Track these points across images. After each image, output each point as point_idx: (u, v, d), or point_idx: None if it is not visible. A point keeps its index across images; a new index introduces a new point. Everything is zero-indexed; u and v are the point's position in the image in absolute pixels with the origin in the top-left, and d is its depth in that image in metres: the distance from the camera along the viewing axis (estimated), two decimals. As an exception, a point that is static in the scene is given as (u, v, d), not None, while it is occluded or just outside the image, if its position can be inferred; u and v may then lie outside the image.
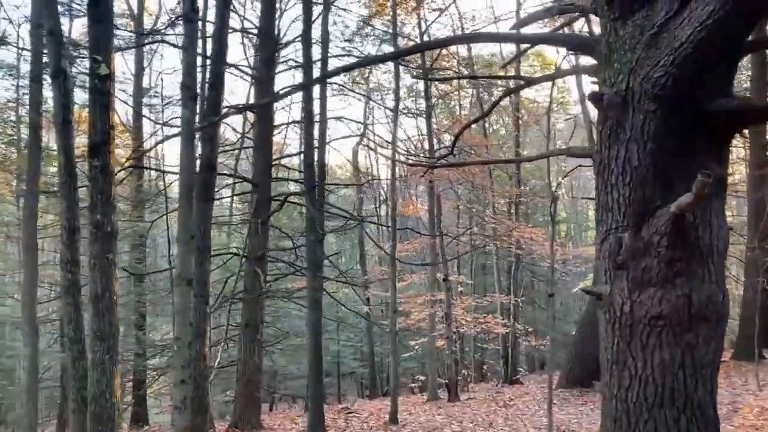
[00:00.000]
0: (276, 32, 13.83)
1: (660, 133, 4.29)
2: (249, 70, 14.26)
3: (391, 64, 18.55)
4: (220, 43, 8.41)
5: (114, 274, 6.62)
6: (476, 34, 9.73)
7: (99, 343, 6.48)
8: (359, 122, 17.82)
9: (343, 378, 28.96)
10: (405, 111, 17.11)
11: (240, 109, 11.80)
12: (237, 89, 50.74)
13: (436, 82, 16.70)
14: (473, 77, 15.99)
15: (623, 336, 4.62)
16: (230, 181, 18.49)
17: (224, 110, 9.52)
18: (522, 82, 11.48)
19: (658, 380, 4.34)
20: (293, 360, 23.46)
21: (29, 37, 11.48)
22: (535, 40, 5.61)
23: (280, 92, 10.32)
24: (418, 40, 16.46)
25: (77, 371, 7.67)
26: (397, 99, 13.06)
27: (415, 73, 14.56)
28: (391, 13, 13.42)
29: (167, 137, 13.31)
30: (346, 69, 8.26)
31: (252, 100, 15.48)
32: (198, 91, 7.92)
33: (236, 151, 17.70)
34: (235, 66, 13.44)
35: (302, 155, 11.86)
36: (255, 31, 13.76)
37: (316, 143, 11.18)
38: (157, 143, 14.13)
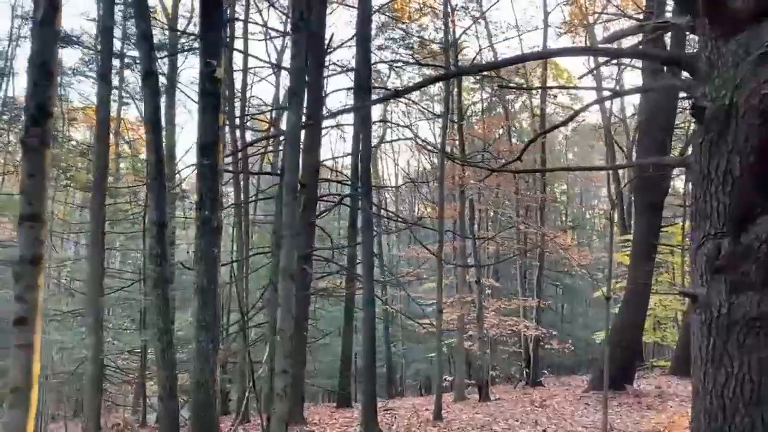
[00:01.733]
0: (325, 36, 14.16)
1: (764, 146, 4.67)
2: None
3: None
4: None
5: (218, 267, 6.96)
6: (567, 48, 10.12)
7: (203, 333, 6.79)
8: (404, 125, 18.11)
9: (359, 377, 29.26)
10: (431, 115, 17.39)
11: (334, 114, 12.15)
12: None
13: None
14: (546, 88, 16.34)
15: (720, 336, 4.97)
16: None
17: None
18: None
19: (755, 379, 4.69)
20: (314, 357, 23.79)
21: (99, 37, 11.87)
22: (632, 54, 5.96)
23: (367, 103, 10.59)
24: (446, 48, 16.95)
25: (166, 361, 7.99)
26: (447, 107, 13.41)
27: (496, 86, 14.80)
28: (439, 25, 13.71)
29: (257, 140, 13.57)
30: (423, 84, 8.59)
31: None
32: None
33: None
34: (285, 68, 13.76)
35: (359, 158, 12.19)
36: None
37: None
38: (246, 145, 14.28)
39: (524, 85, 17.71)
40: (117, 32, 15.54)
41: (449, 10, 14.07)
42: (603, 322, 32.26)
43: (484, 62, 15.78)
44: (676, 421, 11.28)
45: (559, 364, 28.61)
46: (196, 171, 6.95)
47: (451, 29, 17.11)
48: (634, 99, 30.40)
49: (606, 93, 11.94)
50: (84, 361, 19.01)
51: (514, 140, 23.42)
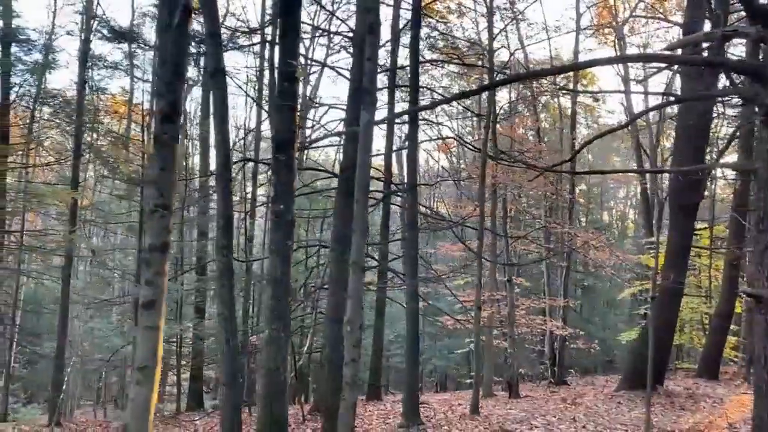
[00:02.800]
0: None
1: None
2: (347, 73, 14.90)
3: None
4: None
5: (291, 259, 7.25)
6: (639, 55, 10.26)
7: (276, 322, 7.10)
8: (442, 124, 18.38)
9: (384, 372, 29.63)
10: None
11: (400, 114, 12.44)
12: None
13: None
14: (602, 92, 16.49)
15: (785, 336, 5.25)
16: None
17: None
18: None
19: (820, 379, 4.96)
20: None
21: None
22: (704, 63, 6.16)
23: (421, 107, 10.86)
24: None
25: (230, 348, 8.30)
26: (490, 108, 13.63)
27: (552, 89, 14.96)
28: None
29: (325, 135, 13.88)
30: (478, 91, 8.85)
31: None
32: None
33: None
34: (333, 68, 14.08)
35: (405, 155, 12.45)
36: (350, 35, 14.36)
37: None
38: (312, 141, 14.58)
39: (561, 87, 17.82)
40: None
41: (491, 10, 14.21)
42: (624, 324, 32.42)
43: (529, 67, 15.95)
44: (714, 421, 11.47)
45: (576, 363, 28.77)
46: (271, 166, 7.23)
47: (486, 30, 17.37)
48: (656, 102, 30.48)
49: (663, 99, 12.02)
50: (119, 348, 19.53)
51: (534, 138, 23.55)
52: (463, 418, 12.36)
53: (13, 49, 16.44)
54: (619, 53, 27.06)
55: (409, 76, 12.44)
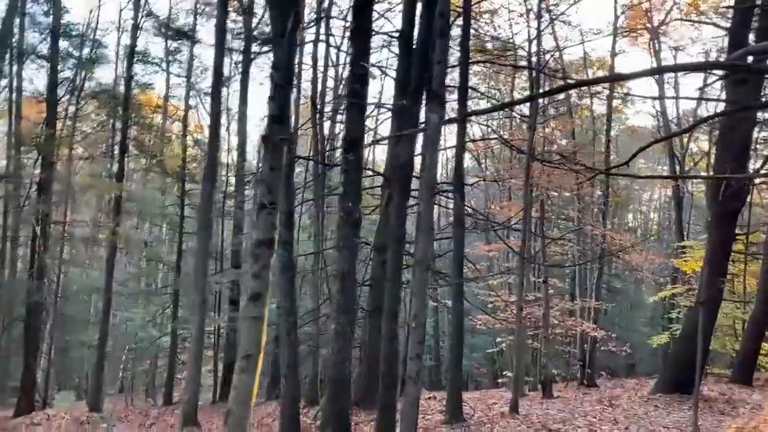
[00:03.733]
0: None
1: None
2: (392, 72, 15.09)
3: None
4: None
5: (357, 256, 7.45)
6: (683, 65, 10.33)
7: (342, 316, 7.31)
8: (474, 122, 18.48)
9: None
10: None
11: (471, 113, 12.64)
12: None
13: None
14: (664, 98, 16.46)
15: None
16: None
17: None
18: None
19: None
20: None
21: (215, 33, 12.45)
22: (747, 69, 6.23)
23: (474, 111, 11.02)
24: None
25: (290, 340, 8.55)
26: (536, 110, 13.74)
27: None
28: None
29: (384, 138, 14.05)
30: (534, 98, 8.95)
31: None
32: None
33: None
34: (378, 66, 14.25)
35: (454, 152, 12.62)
36: (396, 34, 14.51)
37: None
38: (375, 141, 14.80)
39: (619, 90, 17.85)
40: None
41: (539, 14, 14.32)
42: (645, 327, 32.15)
43: (565, 69, 16.01)
44: (758, 427, 11.48)
45: (600, 365, 28.78)
46: (340, 166, 7.42)
47: (533, 32, 17.46)
48: (688, 105, 30.31)
49: (725, 106, 12.11)
50: (156, 338, 19.93)
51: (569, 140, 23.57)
52: (504, 417, 12.48)
53: (62, 44, 16.86)
54: (653, 55, 27.06)
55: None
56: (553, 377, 20.75)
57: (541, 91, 16.61)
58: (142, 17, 16.68)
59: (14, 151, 15.54)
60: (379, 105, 15.98)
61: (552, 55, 18.54)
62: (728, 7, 20.96)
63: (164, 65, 18.78)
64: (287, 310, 8.37)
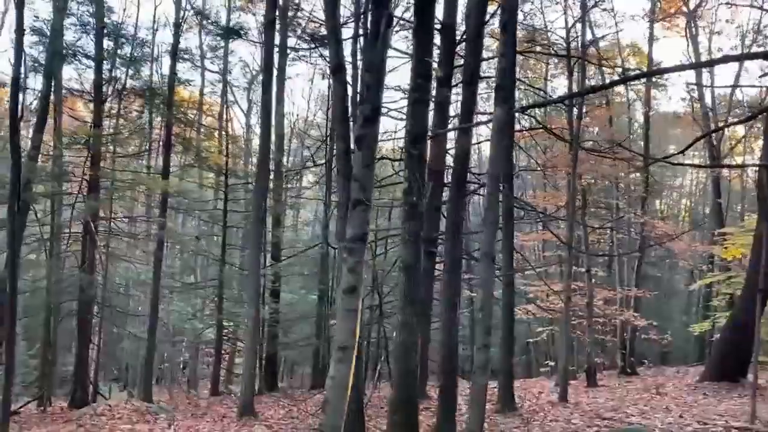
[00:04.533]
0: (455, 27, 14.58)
1: None
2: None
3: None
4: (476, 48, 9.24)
5: (421, 248, 7.60)
6: (715, 59, 10.19)
7: (409, 307, 7.47)
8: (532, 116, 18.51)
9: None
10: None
11: (531, 106, 12.74)
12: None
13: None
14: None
15: None
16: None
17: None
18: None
19: None
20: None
21: (263, 33, 12.65)
22: None
23: (534, 104, 11.04)
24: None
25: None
26: (582, 99, 13.73)
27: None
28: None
29: (452, 128, 14.22)
30: (594, 90, 8.97)
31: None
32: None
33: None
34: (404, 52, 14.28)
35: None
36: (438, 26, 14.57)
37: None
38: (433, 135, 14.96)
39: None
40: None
41: (585, 3, 14.27)
42: (680, 314, 31.75)
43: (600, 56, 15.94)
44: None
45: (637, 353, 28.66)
46: (404, 159, 7.55)
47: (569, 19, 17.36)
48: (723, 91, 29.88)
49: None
50: (201, 331, 20.34)
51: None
52: (554, 406, 12.59)
53: (106, 43, 17.20)
54: (689, 39, 26.71)
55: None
56: (597, 366, 20.75)
57: (590, 83, 16.61)
58: (184, 14, 17.00)
59: (59, 150, 15.91)
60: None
61: (590, 42, 18.42)
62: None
63: (201, 62, 19.07)
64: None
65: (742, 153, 32.88)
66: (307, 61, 19.18)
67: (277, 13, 11.96)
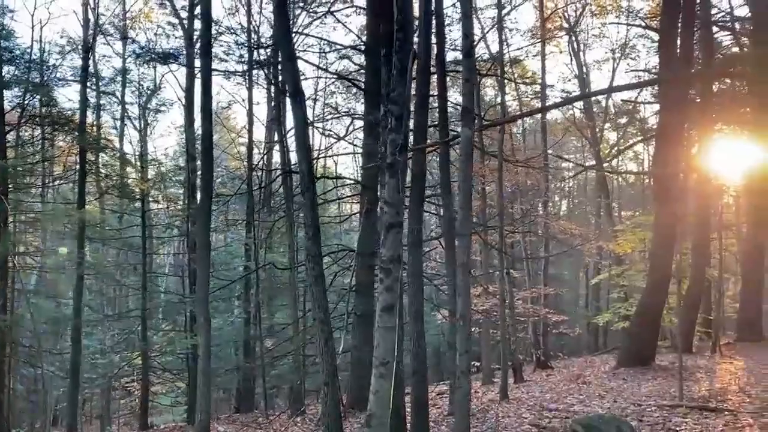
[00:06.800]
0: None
1: None
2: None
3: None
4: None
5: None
6: (630, 84, 11.23)
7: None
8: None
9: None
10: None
11: (489, 125, 13.19)
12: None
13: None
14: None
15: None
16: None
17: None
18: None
19: None
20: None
21: (200, 52, 12.45)
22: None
23: (493, 122, 11.68)
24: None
25: (328, 349, 8.94)
26: (504, 114, 14.68)
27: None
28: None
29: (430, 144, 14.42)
30: (546, 109, 9.72)
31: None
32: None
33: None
34: (347, 78, 14.74)
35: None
36: (363, 47, 15.10)
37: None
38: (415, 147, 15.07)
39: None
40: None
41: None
42: (579, 308, 33.97)
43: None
44: (726, 387, 12.90)
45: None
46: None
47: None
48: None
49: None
50: (123, 365, 19.51)
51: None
52: (499, 403, 13.31)
53: (8, 68, 16.27)
54: (572, 55, 29.03)
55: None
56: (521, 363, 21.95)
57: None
58: (94, 37, 16.34)
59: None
60: (351, 115, 16.49)
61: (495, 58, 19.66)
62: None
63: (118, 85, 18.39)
64: (322, 320, 8.79)
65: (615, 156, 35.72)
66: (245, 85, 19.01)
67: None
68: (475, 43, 19.17)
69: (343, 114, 16.82)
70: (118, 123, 23.09)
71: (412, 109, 12.39)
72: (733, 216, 28.19)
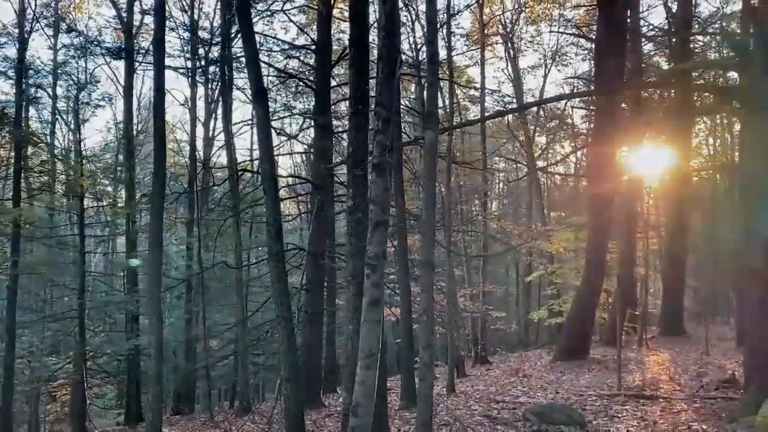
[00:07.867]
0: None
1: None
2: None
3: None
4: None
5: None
6: (589, 91, 11.77)
7: (354, 320, 8.03)
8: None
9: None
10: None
11: (456, 126, 13.33)
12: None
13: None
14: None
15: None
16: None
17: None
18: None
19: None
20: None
21: (153, 51, 12.22)
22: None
23: (460, 124, 11.94)
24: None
25: (290, 345, 9.06)
26: (451, 120, 15.09)
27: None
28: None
29: (406, 143, 14.36)
30: (485, 119, 10.14)
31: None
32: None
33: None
34: (299, 78, 14.80)
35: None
36: (313, 47, 15.22)
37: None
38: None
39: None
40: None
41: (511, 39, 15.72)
42: (520, 306, 35.10)
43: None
44: (658, 377, 13.78)
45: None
46: (349, 180, 8.08)
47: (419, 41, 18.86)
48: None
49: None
50: (59, 366, 18.84)
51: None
52: (447, 397, 13.70)
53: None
54: (508, 60, 30.06)
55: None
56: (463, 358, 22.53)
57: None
58: (31, 27, 15.70)
59: None
60: (304, 115, 16.54)
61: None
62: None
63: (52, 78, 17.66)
64: (286, 317, 8.92)
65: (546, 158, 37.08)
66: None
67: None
68: (420, 46, 19.69)
69: (296, 114, 16.85)
70: (50, 117, 22.19)
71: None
72: (654, 217, 29.82)
